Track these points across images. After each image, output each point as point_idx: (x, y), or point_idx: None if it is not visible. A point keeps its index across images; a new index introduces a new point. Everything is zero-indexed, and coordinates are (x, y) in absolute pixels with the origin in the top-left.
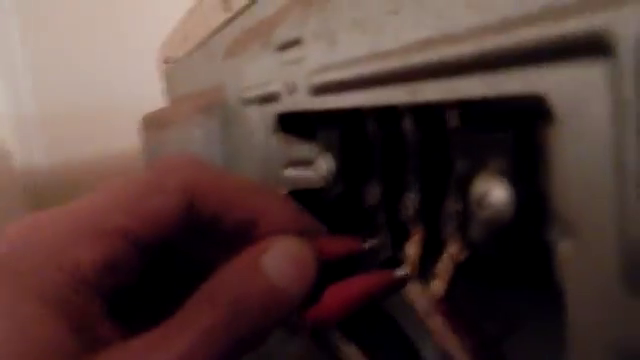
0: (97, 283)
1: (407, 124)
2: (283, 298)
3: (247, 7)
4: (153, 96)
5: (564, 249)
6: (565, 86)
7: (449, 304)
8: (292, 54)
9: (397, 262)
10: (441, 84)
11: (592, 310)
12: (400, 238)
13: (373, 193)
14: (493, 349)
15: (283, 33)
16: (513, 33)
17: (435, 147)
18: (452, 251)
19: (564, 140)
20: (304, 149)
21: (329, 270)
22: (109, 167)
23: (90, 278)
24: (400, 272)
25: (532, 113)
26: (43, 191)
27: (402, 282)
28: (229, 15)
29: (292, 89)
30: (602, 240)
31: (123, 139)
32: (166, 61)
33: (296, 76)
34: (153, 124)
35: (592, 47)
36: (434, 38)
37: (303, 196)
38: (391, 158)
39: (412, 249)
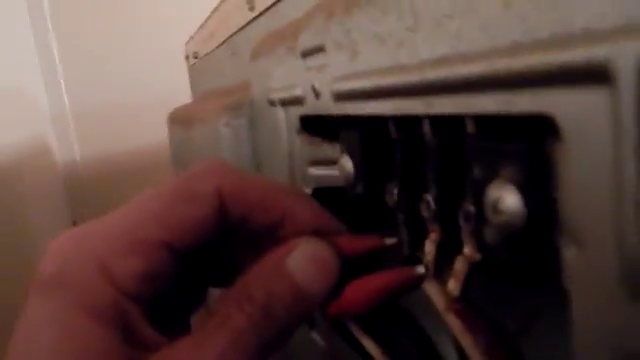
0: (137, 292)
1: (425, 129)
2: (307, 298)
3: (271, 7)
4: (182, 91)
5: (569, 256)
6: (571, 108)
7: (464, 304)
8: (315, 61)
9: (416, 260)
10: (455, 99)
11: (595, 315)
12: (419, 237)
13: (392, 193)
14: (509, 347)
15: (307, 40)
16: (522, 57)
17: (452, 151)
18: (467, 252)
19: (569, 158)
20: (327, 149)
21: (350, 267)
22: (142, 161)
23: (131, 288)
24: (419, 269)
25: (544, 125)
26: (82, 185)
27: (420, 279)
28: (254, 15)
29: (316, 94)
30: (603, 249)
31: (155, 133)
32: (193, 57)
33: (319, 82)
34: (180, 120)
35: (594, 75)
36: (449, 56)
37: (327, 194)
38: (410, 160)
39: (429, 248)
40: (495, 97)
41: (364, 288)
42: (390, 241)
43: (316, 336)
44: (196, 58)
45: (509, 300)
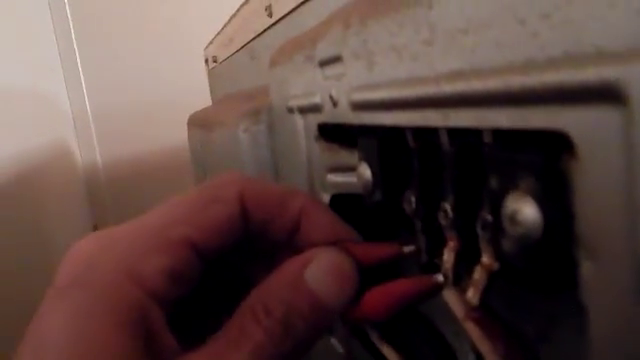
0: (163, 295)
1: (443, 138)
2: (326, 310)
3: (289, 14)
4: (202, 94)
5: (586, 271)
6: (584, 126)
7: (483, 312)
8: (333, 70)
9: (434, 267)
10: (471, 112)
11: (613, 330)
12: (437, 245)
13: (410, 201)
14: (528, 354)
15: (324, 49)
16: (536, 74)
17: (469, 159)
18: (486, 261)
19: (584, 174)
20: (345, 156)
21: (368, 274)
22: (162, 162)
23: (157, 290)
24: (438, 278)
25: (560, 139)
26: (103, 187)
27: (439, 288)
28: (272, 21)
29: (333, 103)
30: (619, 264)
31: (175, 135)
32: (212, 61)
33: (337, 91)
34: (199, 124)
35: (607, 94)
36: (464, 70)
37: (346, 200)
38: (428, 168)
39: (447, 256)
40: (509, 112)
41: (384, 295)
42: (408, 249)
43: (335, 342)
44: (215, 62)
45: (528, 306)
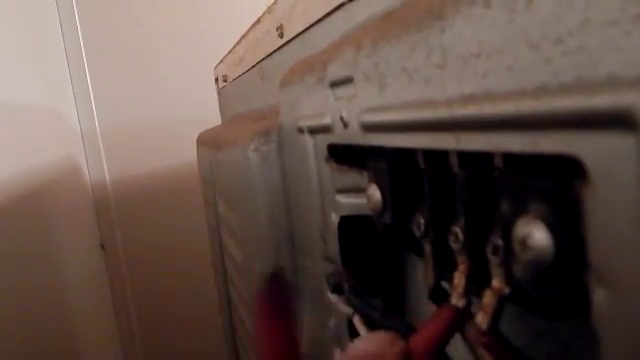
0: None
1: (453, 161)
2: None
3: (300, 35)
4: (211, 113)
5: (599, 298)
6: (597, 152)
7: (493, 336)
8: (344, 91)
9: (442, 291)
10: (483, 136)
11: (625, 357)
12: (447, 267)
13: (420, 223)
14: None
15: (336, 71)
16: (548, 100)
17: (480, 183)
18: (496, 285)
19: (597, 200)
20: (355, 177)
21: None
22: (173, 180)
23: None
24: (455, 303)
25: (571, 164)
26: (111, 203)
27: (462, 315)
28: (283, 41)
29: (344, 124)
30: (632, 291)
31: (184, 154)
32: (222, 80)
33: (348, 112)
34: (209, 143)
35: (620, 121)
36: (476, 94)
37: (357, 221)
38: (438, 191)
39: (458, 280)
40: (521, 137)
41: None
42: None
43: None
44: (225, 81)
45: (539, 331)
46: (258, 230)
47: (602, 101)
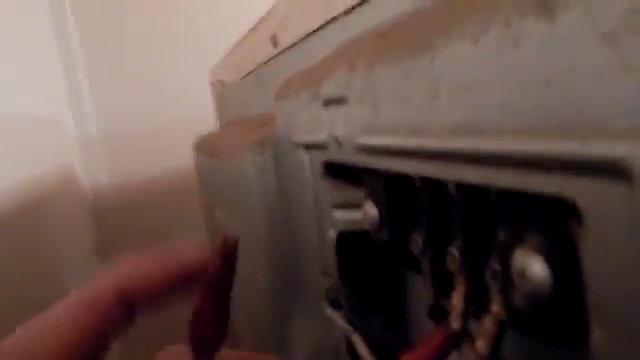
0: None
1: (450, 184)
2: None
3: (293, 46)
4: (209, 116)
5: (597, 339)
6: (591, 196)
7: None
8: (338, 111)
9: (441, 310)
10: (476, 170)
11: None
12: (445, 287)
13: (417, 242)
14: None
15: (330, 89)
16: (539, 141)
17: (477, 205)
18: (495, 310)
19: (591, 243)
20: (351, 193)
21: None
22: (170, 186)
23: None
24: (453, 326)
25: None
26: (109, 210)
27: (457, 337)
28: (277, 51)
29: (338, 143)
30: (629, 334)
31: (183, 159)
32: (219, 84)
33: (342, 132)
34: (206, 150)
35: (612, 169)
36: (468, 127)
37: (355, 236)
38: (435, 210)
39: (456, 301)
40: (516, 175)
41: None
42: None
43: None
44: (222, 86)
45: (542, 357)
46: (258, 240)
47: (594, 149)
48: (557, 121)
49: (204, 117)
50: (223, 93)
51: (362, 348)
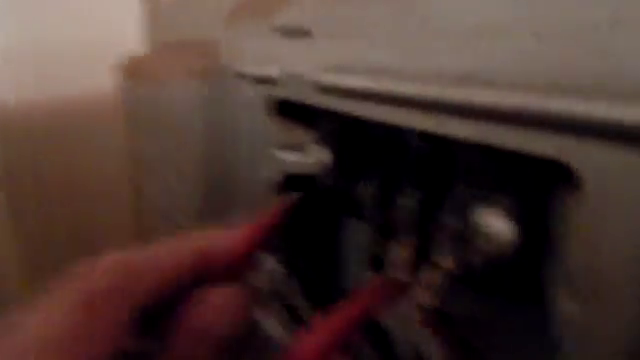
0: None
1: (413, 134)
2: None
3: None
4: (132, 35)
5: (569, 309)
6: (602, 165)
7: (437, 314)
8: (299, 44)
9: (381, 261)
10: (468, 124)
11: None
12: (391, 238)
13: (367, 191)
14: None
15: (291, 19)
16: (559, 100)
17: (439, 161)
18: (446, 265)
19: (587, 212)
20: (300, 134)
21: None
22: (86, 111)
23: None
24: (397, 277)
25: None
26: (16, 139)
27: (401, 288)
28: None
29: (295, 80)
30: (615, 316)
31: (99, 79)
32: (149, 2)
33: (300, 68)
34: (133, 74)
35: (629, 136)
36: (471, 75)
37: (298, 179)
38: (390, 160)
39: (402, 253)
40: (512, 132)
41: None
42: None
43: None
44: (154, 4)
45: (487, 312)
46: (188, 177)
47: (626, 114)
48: (580, 80)
49: (127, 37)
50: (155, 11)
51: (293, 294)
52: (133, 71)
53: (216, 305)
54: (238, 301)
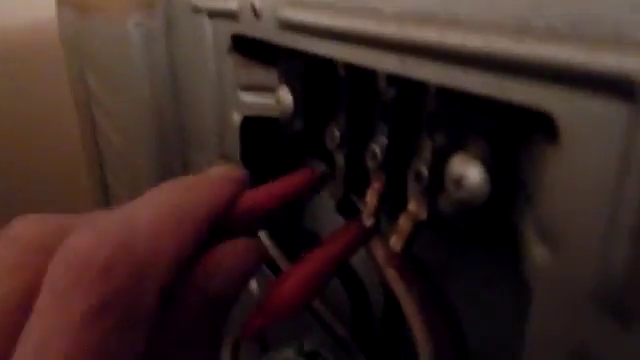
0: None
1: (381, 78)
2: None
3: None
4: None
5: (540, 255)
6: (576, 112)
7: (405, 259)
8: None
9: (351, 206)
10: (437, 67)
11: (556, 320)
12: (359, 183)
13: (334, 135)
14: (441, 303)
15: None
16: (530, 43)
17: (408, 104)
18: (414, 210)
19: (564, 162)
20: (262, 74)
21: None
22: (23, 40)
23: None
24: (367, 222)
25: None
26: None
27: (368, 233)
28: None
29: (256, 14)
30: (582, 260)
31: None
32: None
33: (262, 1)
34: (71, 3)
35: (616, 87)
36: (437, 16)
37: (260, 122)
38: (358, 102)
39: (370, 198)
40: (485, 77)
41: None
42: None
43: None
44: None
45: (454, 257)
46: (140, 117)
47: (604, 61)
48: (558, 24)
49: None
50: None
51: (267, 243)
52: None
53: (226, 264)
54: (250, 257)
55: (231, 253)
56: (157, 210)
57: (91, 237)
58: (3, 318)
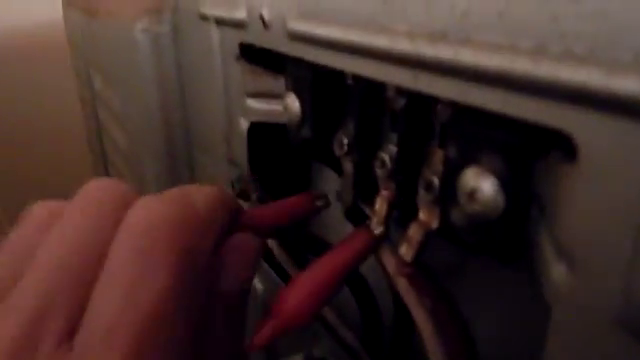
0: None
1: (390, 86)
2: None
3: None
4: None
5: (557, 272)
6: (598, 135)
7: (416, 268)
8: None
9: (360, 213)
10: (454, 84)
11: (577, 341)
12: (368, 189)
13: (342, 143)
14: (452, 312)
15: None
16: (548, 65)
17: (418, 113)
18: (424, 219)
19: (583, 182)
20: (270, 82)
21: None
22: (31, 39)
23: None
24: (376, 230)
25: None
26: None
27: (377, 241)
28: None
29: (265, 24)
30: (606, 285)
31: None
32: None
33: (271, 12)
34: (81, 6)
35: (636, 110)
36: (450, 36)
37: (268, 128)
38: (367, 110)
39: (380, 206)
40: (503, 96)
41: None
42: (320, 202)
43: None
44: None
45: (465, 265)
46: (147, 121)
47: (622, 84)
48: (578, 47)
49: None
50: None
51: (275, 247)
52: (76, 0)
53: (227, 260)
54: (248, 248)
55: (229, 249)
56: (205, 191)
57: (162, 200)
58: (82, 266)
